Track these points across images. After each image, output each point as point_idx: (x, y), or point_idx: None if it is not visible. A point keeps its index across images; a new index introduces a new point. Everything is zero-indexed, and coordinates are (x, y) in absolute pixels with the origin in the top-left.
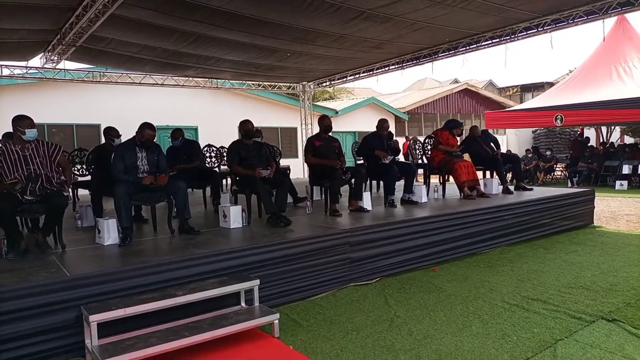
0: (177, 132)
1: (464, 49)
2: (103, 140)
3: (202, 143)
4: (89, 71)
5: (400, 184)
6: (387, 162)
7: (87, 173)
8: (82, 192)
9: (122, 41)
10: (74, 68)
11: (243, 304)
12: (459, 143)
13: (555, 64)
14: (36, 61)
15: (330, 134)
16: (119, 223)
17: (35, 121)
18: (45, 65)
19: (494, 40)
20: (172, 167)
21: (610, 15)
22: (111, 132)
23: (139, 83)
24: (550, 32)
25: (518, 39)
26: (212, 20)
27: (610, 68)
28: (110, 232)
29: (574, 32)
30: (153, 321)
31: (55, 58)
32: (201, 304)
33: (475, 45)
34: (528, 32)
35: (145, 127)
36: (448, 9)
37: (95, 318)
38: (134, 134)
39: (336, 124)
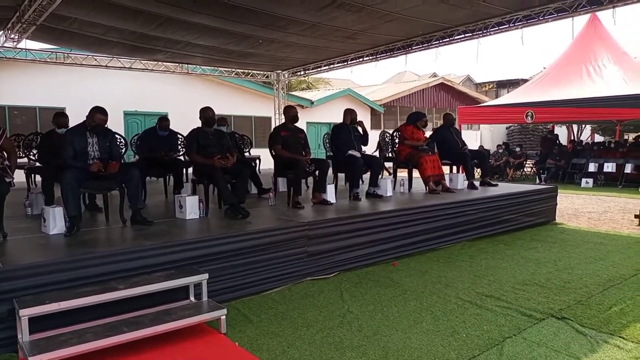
0: (165, 121)
1: (437, 42)
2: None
3: (172, 129)
4: (52, 52)
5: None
6: (359, 156)
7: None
8: (40, 178)
9: (86, 21)
10: (36, 48)
11: (192, 299)
12: (427, 135)
13: (531, 61)
14: None
15: (304, 124)
16: (66, 211)
17: None
18: (5, 44)
19: (466, 35)
20: (150, 150)
21: (580, 14)
22: (59, 120)
23: (105, 66)
24: (521, 27)
25: (490, 34)
26: (178, 2)
27: (581, 67)
28: (56, 221)
29: (550, 30)
30: (95, 315)
31: (16, 37)
32: (147, 298)
33: (448, 39)
34: (500, 27)
35: (96, 111)
36: (420, 0)
37: (25, 312)
38: (85, 118)
39: (311, 115)
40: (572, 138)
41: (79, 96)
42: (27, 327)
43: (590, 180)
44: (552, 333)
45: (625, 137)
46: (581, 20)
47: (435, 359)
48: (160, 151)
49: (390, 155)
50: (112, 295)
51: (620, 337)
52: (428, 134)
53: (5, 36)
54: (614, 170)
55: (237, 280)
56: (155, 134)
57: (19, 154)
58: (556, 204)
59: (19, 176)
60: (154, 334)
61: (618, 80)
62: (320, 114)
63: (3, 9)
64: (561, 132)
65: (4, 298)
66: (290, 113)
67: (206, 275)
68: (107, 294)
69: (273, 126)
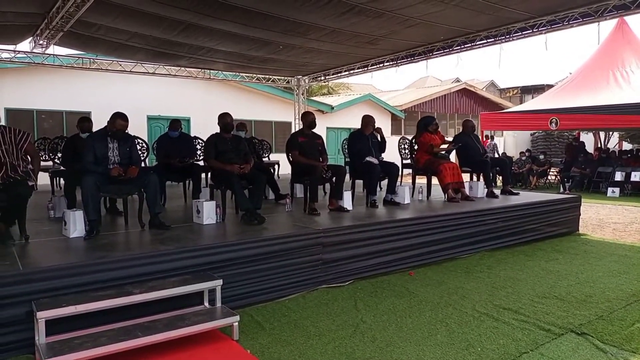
0: (176, 123)
1: (459, 47)
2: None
3: (194, 134)
4: (79, 57)
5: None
6: (377, 162)
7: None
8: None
9: (111, 28)
10: (64, 54)
11: (206, 304)
12: (450, 138)
13: (557, 66)
14: (25, 45)
15: (324, 130)
16: (86, 215)
17: (24, 107)
18: (34, 50)
19: (488, 40)
20: (167, 156)
21: (606, 19)
22: (82, 124)
23: (130, 71)
24: (545, 33)
25: (513, 39)
26: (200, 9)
27: (608, 72)
28: (76, 224)
29: (577, 34)
30: (109, 319)
31: (44, 43)
32: (161, 303)
33: (470, 45)
34: (523, 32)
35: (117, 117)
36: (442, 5)
37: (43, 315)
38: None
39: (332, 120)
40: (599, 145)
41: (104, 101)
42: (44, 329)
43: (617, 190)
44: (571, 349)
45: None
46: (608, 25)
47: None
48: (176, 156)
49: (409, 162)
50: (127, 299)
51: None
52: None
53: (34, 42)
54: None
55: (251, 286)
56: (168, 137)
57: (44, 157)
58: (579, 214)
59: (44, 179)
60: (168, 339)
61: None
62: (340, 119)
63: (32, 15)
64: (587, 139)
65: (23, 300)
66: (308, 119)
67: (220, 282)
68: (122, 298)
69: (293, 131)
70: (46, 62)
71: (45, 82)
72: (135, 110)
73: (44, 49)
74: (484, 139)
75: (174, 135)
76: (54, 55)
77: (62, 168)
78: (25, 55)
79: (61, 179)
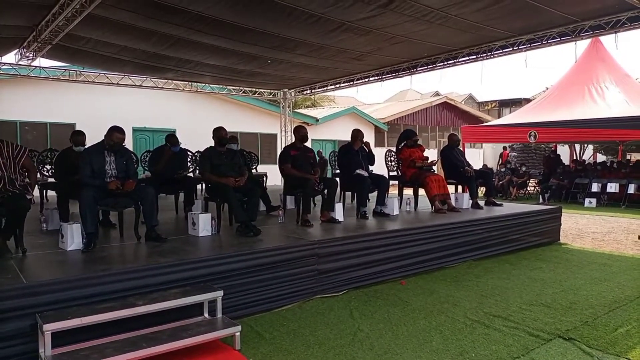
0: (174, 138)
1: (442, 64)
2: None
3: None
4: (65, 69)
5: (374, 196)
6: (367, 175)
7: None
8: (52, 194)
9: (100, 41)
10: (50, 66)
11: (206, 315)
12: (426, 151)
13: (533, 81)
14: (10, 57)
15: (309, 142)
16: (84, 228)
17: (7, 118)
18: (20, 62)
19: (470, 57)
20: (173, 174)
21: (582, 38)
22: (76, 138)
23: (117, 84)
24: (525, 51)
25: (494, 57)
26: (192, 25)
27: (584, 88)
28: (74, 237)
29: (552, 51)
30: (113, 331)
31: (31, 55)
32: (163, 315)
33: (453, 61)
34: (504, 50)
35: (114, 130)
36: (426, 24)
37: (49, 327)
38: (103, 137)
39: (316, 132)
40: (575, 157)
41: (88, 112)
42: (50, 341)
43: (594, 200)
44: (559, 354)
45: (628, 157)
46: (584, 43)
47: None
48: (171, 169)
49: (396, 174)
50: (131, 311)
51: (627, 358)
52: (426, 153)
53: (21, 54)
54: (617, 191)
55: (250, 297)
56: (165, 152)
57: None
58: (560, 224)
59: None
60: (172, 349)
61: (620, 102)
62: (325, 132)
63: (20, 28)
64: (563, 151)
65: (27, 313)
66: (300, 133)
67: (221, 292)
68: (127, 310)
69: (279, 143)
70: (32, 74)
71: (29, 94)
72: (120, 122)
73: (30, 61)
74: (504, 150)
75: (175, 150)
76: (39, 67)
77: (50, 180)
78: (10, 67)
79: (49, 192)
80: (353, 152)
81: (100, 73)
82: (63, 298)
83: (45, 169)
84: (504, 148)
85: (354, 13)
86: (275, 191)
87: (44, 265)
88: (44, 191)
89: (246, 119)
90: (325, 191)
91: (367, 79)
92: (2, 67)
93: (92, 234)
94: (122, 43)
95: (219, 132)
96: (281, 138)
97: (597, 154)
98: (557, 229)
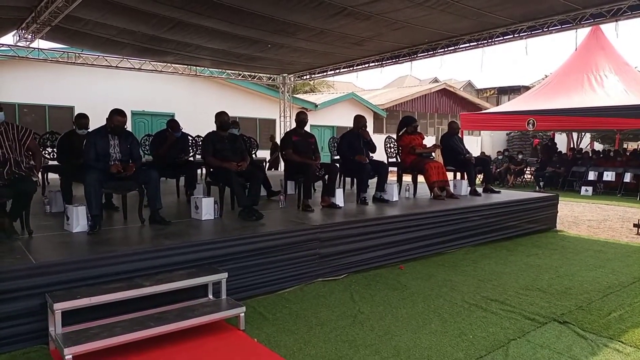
0: (175, 123)
1: (442, 50)
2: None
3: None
4: (64, 52)
5: (374, 182)
6: (367, 161)
7: (55, 158)
8: (53, 176)
9: (100, 23)
10: (48, 47)
11: (211, 296)
12: (425, 138)
13: (533, 68)
14: (9, 38)
15: (308, 128)
16: (89, 210)
17: (5, 100)
18: (19, 44)
19: (471, 44)
20: (175, 158)
21: (583, 26)
22: (79, 121)
23: (116, 66)
24: (525, 38)
25: (495, 44)
26: (192, 7)
27: (583, 76)
28: (79, 220)
29: (551, 38)
30: (119, 311)
31: (29, 36)
32: (168, 295)
33: (453, 48)
34: (504, 37)
35: (114, 114)
36: (427, 10)
37: (59, 306)
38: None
39: (315, 118)
40: (572, 146)
41: (88, 95)
42: (60, 320)
43: (590, 189)
44: (554, 336)
45: (625, 145)
46: (584, 31)
47: (444, 358)
48: (173, 154)
49: (395, 160)
50: (139, 291)
51: (619, 341)
52: (425, 139)
53: (19, 36)
54: (614, 179)
55: (253, 279)
56: (167, 137)
57: None
58: (557, 212)
59: None
60: (179, 329)
61: (619, 91)
62: (323, 117)
63: (18, 9)
64: (561, 139)
65: (37, 292)
66: (299, 118)
67: (226, 274)
68: (134, 290)
69: (278, 128)
70: (31, 56)
71: (28, 76)
72: (119, 105)
73: (28, 42)
74: (536, 138)
75: (177, 135)
76: (38, 48)
77: (50, 163)
78: (8, 49)
79: (49, 175)
80: (355, 137)
81: (99, 55)
82: (71, 278)
83: (46, 152)
84: (534, 136)
85: None
86: (274, 177)
87: (51, 247)
88: (45, 174)
89: (245, 103)
90: (326, 177)
91: (367, 65)
92: (0, 49)
93: (97, 216)
94: (121, 25)
95: (221, 117)
96: (280, 123)
97: (594, 142)
98: (553, 216)
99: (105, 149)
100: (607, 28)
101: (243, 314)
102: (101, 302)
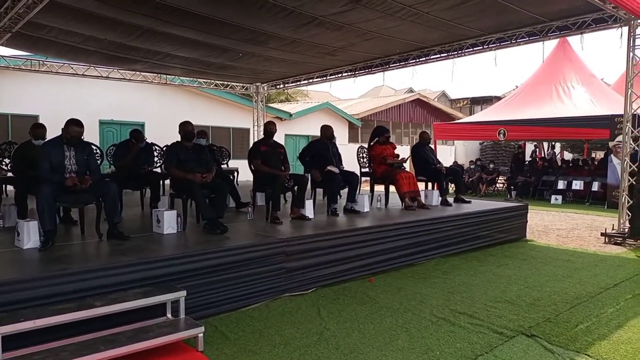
0: (139, 133)
1: (414, 61)
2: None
3: (149, 140)
4: (27, 59)
5: (346, 192)
6: (337, 171)
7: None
8: (12, 188)
9: (64, 30)
10: (10, 55)
11: (169, 316)
12: (404, 147)
13: (504, 79)
14: None
15: (282, 137)
16: (41, 225)
17: None
18: None
19: (442, 55)
20: (138, 169)
21: (550, 38)
22: (35, 131)
23: (82, 74)
24: (494, 50)
25: (465, 55)
26: (159, 15)
27: (551, 87)
28: (30, 235)
29: (521, 49)
30: (70, 333)
31: None
32: (123, 315)
33: (424, 58)
34: (474, 48)
35: (71, 124)
36: (398, 21)
37: (0, 330)
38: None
39: (290, 127)
40: (542, 155)
41: (53, 104)
42: None
43: (560, 197)
44: (522, 351)
45: (593, 155)
46: (551, 43)
47: None
48: (136, 165)
49: (368, 170)
50: (88, 312)
51: (586, 354)
52: (398, 149)
53: None
54: (582, 188)
55: (215, 296)
56: (130, 147)
57: None
58: (526, 221)
59: None
60: (132, 352)
61: (586, 101)
62: (299, 127)
63: None
64: (532, 148)
65: None
66: (266, 128)
67: (184, 293)
68: (83, 312)
69: (251, 138)
70: None
71: None
72: (87, 115)
73: None
74: (548, 149)
75: (141, 146)
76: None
77: (9, 175)
78: None
79: (9, 186)
80: (323, 146)
81: (64, 63)
82: (17, 299)
83: (4, 163)
84: (535, 146)
85: (325, 7)
86: (247, 187)
87: None
88: (3, 186)
89: (218, 113)
90: (295, 188)
91: (340, 75)
92: None
93: (50, 231)
94: (87, 32)
95: (185, 127)
96: (254, 132)
97: (564, 151)
98: (523, 225)
99: (61, 160)
100: (574, 40)
101: (202, 335)
102: (47, 325)
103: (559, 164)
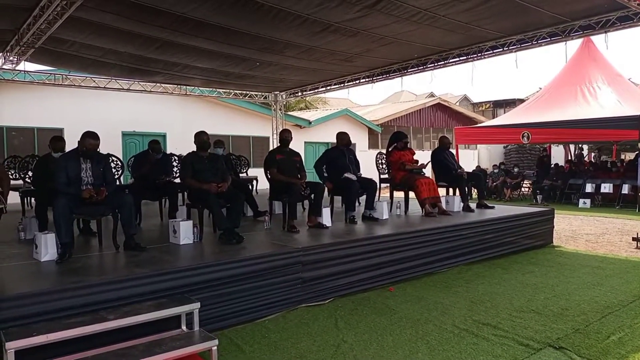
0: (157, 145)
1: (432, 65)
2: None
3: (171, 150)
4: (51, 73)
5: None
6: (355, 179)
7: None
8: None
9: (85, 44)
10: (35, 70)
11: (184, 328)
12: (425, 152)
13: (527, 81)
14: None
15: (301, 145)
16: (58, 238)
17: None
18: (4, 66)
19: (461, 58)
20: (155, 180)
21: (573, 38)
22: (55, 144)
23: (104, 87)
24: (515, 51)
25: (485, 57)
26: (176, 27)
27: (576, 88)
28: (48, 248)
29: (545, 50)
30: (84, 346)
31: (14, 59)
32: (138, 328)
33: (443, 62)
34: (494, 50)
35: (87, 136)
36: (415, 25)
37: (12, 345)
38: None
39: (309, 135)
40: (569, 158)
41: (77, 117)
42: None
43: (588, 201)
44: None
45: (622, 156)
46: (575, 43)
47: None
48: (154, 175)
49: (387, 176)
50: (101, 326)
51: None
52: (420, 154)
53: (4, 58)
54: (611, 191)
55: (230, 308)
56: (146, 156)
57: (15, 175)
58: (553, 227)
59: (14, 198)
60: None
61: (613, 102)
62: (318, 134)
63: (2, 32)
64: (558, 151)
65: None
66: (282, 137)
67: (198, 305)
68: (96, 325)
69: (271, 146)
70: (17, 79)
71: (16, 98)
72: (109, 127)
73: (14, 65)
74: (576, 151)
75: (157, 157)
76: (24, 71)
77: (32, 187)
78: None
79: (32, 199)
80: (340, 153)
81: (86, 77)
82: (30, 313)
83: (27, 176)
84: (580, 148)
85: (340, 14)
86: (266, 195)
87: (14, 278)
88: (26, 198)
89: (238, 122)
90: (312, 196)
91: (357, 81)
92: None
93: (67, 243)
94: (106, 46)
95: (200, 137)
96: (273, 141)
97: (592, 153)
98: (550, 231)
99: (77, 172)
100: (598, 39)
101: (216, 348)
102: (59, 339)
103: (588, 165)
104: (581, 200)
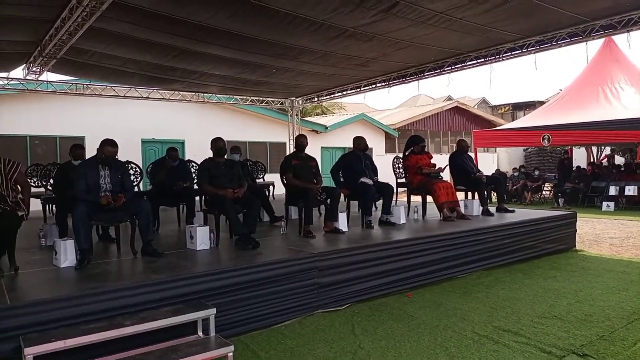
0: (175, 152)
1: (450, 68)
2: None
3: (189, 157)
4: (72, 83)
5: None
6: (371, 183)
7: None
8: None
9: (105, 54)
10: (57, 80)
11: (200, 334)
12: (442, 156)
13: (547, 82)
14: (18, 72)
15: (318, 150)
16: (77, 244)
17: (17, 133)
18: (28, 77)
19: (479, 60)
20: (172, 186)
21: (594, 38)
22: (75, 151)
23: (124, 96)
24: (534, 53)
25: (503, 59)
26: (193, 35)
27: (598, 89)
28: (67, 254)
29: (565, 51)
30: (101, 352)
31: (37, 69)
32: (154, 334)
33: (460, 65)
34: (513, 52)
35: (106, 144)
36: (431, 28)
37: (31, 351)
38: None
39: (326, 140)
40: (592, 160)
41: (98, 125)
42: None
43: (612, 204)
44: None
45: None
46: (596, 43)
47: None
48: (171, 182)
49: (404, 181)
50: (118, 332)
51: None
52: (438, 158)
53: (28, 69)
54: (636, 194)
55: (246, 313)
56: (163, 163)
57: (37, 183)
58: (576, 230)
59: (35, 205)
60: None
61: (636, 102)
62: (334, 139)
63: (25, 44)
64: (579, 153)
65: (10, 335)
66: (297, 142)
67: (214, 310)
68: (113, 331)
69: (288, 151)
70: (40, 89)
71: (39, 108)
72: (129, 134)
73: (37, 75)
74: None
75: (174, 164)
76: (47, 81)
77: (53, 195)
78: (18, 82)
79: (53, 206)
80: (356, 158)
81: (107, 86)
82: (49, 319)
83: (49, 183)
84: (613, 150)
85: (355, 19)
86: (282, 200)
87: (34, 284)
88: (47, 205)
89: (255, 128)
90: (328, 201)
91: (374, 85)
92: (10, 82)
93: (86, 250)
94: (126, 55)
95: (216, 143)
96: (290, 147)
97: (616, 155)
98: (572, 235)
99: (96, 180)
100: (620, 39)
101: (231, 354)
102: (77, 345)
103: (611, 167)
104: (604, 203)
